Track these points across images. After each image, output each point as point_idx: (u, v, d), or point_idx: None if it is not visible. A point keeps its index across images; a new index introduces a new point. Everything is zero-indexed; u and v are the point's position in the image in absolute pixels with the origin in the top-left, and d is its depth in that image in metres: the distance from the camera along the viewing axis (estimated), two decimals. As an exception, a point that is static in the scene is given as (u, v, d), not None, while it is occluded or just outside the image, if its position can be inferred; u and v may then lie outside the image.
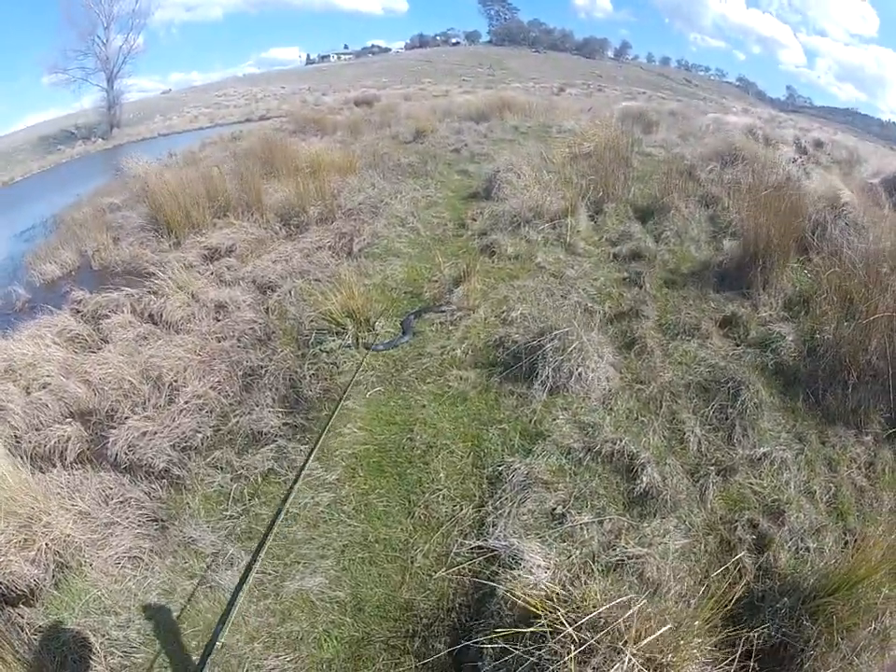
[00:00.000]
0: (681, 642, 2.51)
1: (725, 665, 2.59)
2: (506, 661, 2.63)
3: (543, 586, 2.73)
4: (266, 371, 5.30)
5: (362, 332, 5.68)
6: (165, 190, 9.15)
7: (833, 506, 3.98)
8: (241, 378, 5.27)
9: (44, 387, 5.48)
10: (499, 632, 2.59)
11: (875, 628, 2.94)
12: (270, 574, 3.54)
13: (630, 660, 2.39)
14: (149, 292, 7.06)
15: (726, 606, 2.63)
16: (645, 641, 2.45)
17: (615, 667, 2.37)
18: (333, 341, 5.56)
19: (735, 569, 3.32)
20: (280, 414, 4.74)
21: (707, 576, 3.23)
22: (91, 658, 3.15)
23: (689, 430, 4.36)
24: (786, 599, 3.10)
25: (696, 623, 2.59)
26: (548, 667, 2.45)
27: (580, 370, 4.68)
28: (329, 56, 75.01)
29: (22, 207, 20.00)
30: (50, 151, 39.93)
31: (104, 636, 3.26)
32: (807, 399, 4.82)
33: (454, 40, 74.04)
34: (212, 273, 7.58)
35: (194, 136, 27.27)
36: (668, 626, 2.48)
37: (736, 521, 3.76)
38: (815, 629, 2.91)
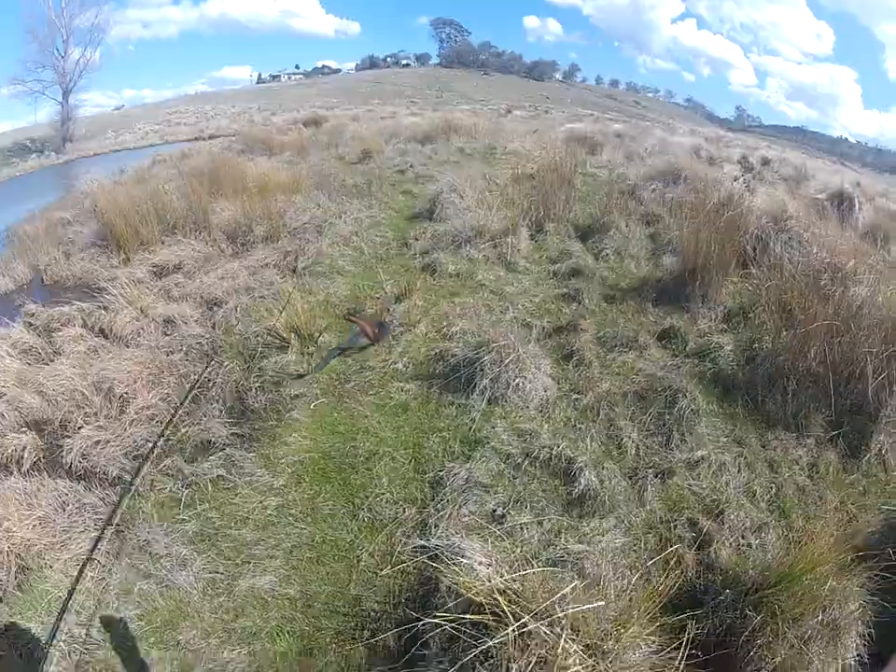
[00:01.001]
0: (621, 630, 2.68)
1: (669, 651, 2.72)
2: (451, 649, 2.80)
3: (485, 579, 2.87)
4: (213, 384, 5.41)
5: (306, 347, 5.83)
6: (115, 209, 9.21)
7: (774, 505, 4.15)
8: (189, 390, 5.35)
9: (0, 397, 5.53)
10: (441, 615, 2.74)
11: (822, 619, 3.07)
12: (222, 574, 3.67)
13: (570, 646, 2.55)
14: (100, 307, 7.13)
15: (666, 596, 2.79)
16: (584, 630, 2.63)
17: (556, 653, 2.53)
18: (278, 355, 5.72)
19: (673, 562, 3.48)
20: (227, 425, 4.87)
21: (647, 571, 3.40)
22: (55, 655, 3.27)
23: (626, 436, 4.54)
24: (728, 591, 3.27)
25: (635, 613, 2.76)
26: (492, 653, 2.59)
27: (517, 380, 4.88)
28: (279, 76, 74.95)
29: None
30: (6, 164, 39.26)
31: (66, 633, 3.37)
32: (746, 405, 5.03)
33: (404, 62, 74.36)
34: (160, 290, 7.65)
35: (145, 153, 27.17)
36: (605, 609, 2.68)
37: (675, 520, 3.93)
38: (759, 619, 3.06)
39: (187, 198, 10.02)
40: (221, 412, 5.03)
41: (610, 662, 2.58)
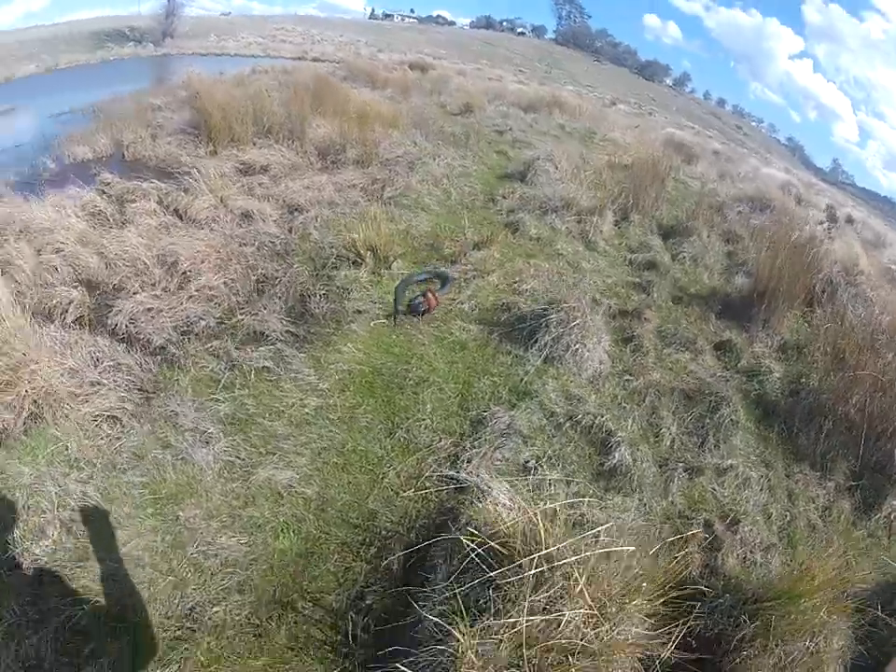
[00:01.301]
0: (625, 599, 2.66)
1: (661, 637, 2.70)
2: (459, 579, 2.77)
3: (506, 520, 2.85)
4: (279, 281, 5.47)
5: (379, 268, 5.88)
6: (212, 100, 9.34)
7: (785, 532, 4.11)
8: (254, 282, 5.43)
9: (57, 252, 5.60)
10: (452, 537, 2.72)
11: (808, 646, 3.05)
12: (243, 460, 3.68)
13: (577, 600, 2.53)
14: (179, 189, 7.23)
15: (672, 582, 2.77)
16: (594, 587, 2.61)
17: (564, 600, 2.51)
18: (350, 269, 5.77)
19: (683, 554, 3.46)
20: (284, 322, 4.90)
21: (656, 556, 3.38)
22: (43, 508, 3.26)
23: (665, 427, 4.52)
24: (728, 596, 3.25)
25: (643, 585, 2.74)
26: (503, 589, 2.57)
27: (577, 346, 4.88)
28: (393, 15, 75.10)
29: (63, 94, 19.87)
30: (100, 47, 39.59)
31: (61, 487, 3.36)
32: (781, 432, 4.98)
33: (519, 30, 74.17)
34: (244, 186, 7.72)
35: (245, 62, 27.12)
36: (616, 573, 2.65)
37: (693, 517, 3.90)
38: (751, 630, 3.04)
39: (286, 106, 10.18)
40: (282, 308, 5.08)
41: (611, 626, 2.56)
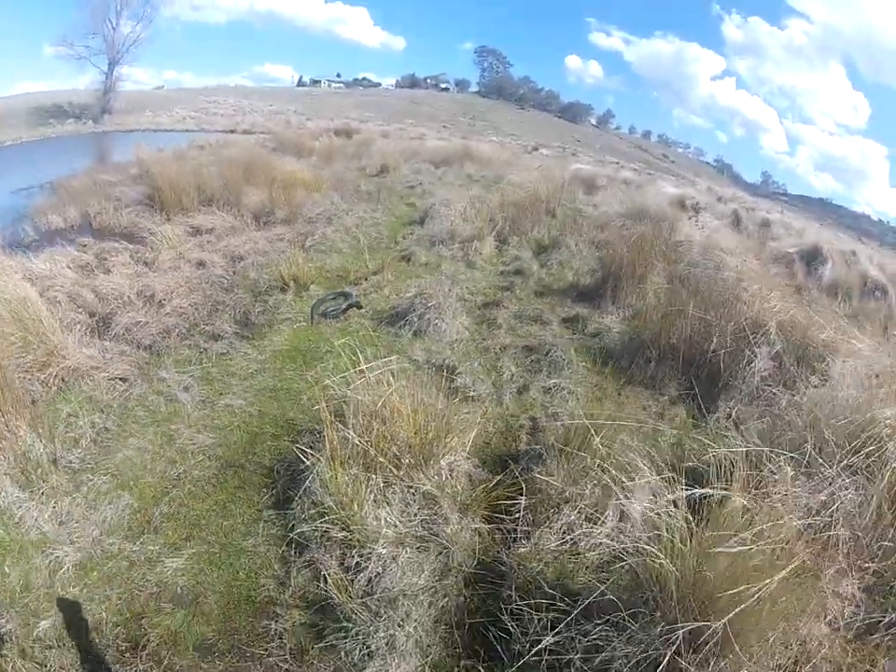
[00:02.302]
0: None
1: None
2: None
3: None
4: (228, 304, 7.71)
5: (300, 291, 8.21)
6: (165, 176, 11.75)
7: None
8: (211, 305, 7.64)
9: (59, 291, 7.56)
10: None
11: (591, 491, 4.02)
12: (210, 398, 5.79)
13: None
14: (145, 247, 9.56)
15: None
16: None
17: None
18: (279, 294, 8.10)
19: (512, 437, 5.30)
20: (234, 327, 7.16)
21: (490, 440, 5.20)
22: (77, 428, 5.18)
23: (506, 367, 6.39)
24: (539, 448, 4.77)
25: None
26: None
27: (436, 321, 7.06)
28: (320, 81, 77.08)
29: (16, 169, 22.21)
30: (41, 123, 41.14)
31: (89, 418, 5.28)
32: (616, 367, 6.36)
33: (443, 85, 76.20)
34: (195, 244, 10.07)
35: (181, 137, 29.24)
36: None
37: (521, 416, 5.54)
38: (553, 461, 4.40)
39: (223, 179, 12.69)
40: (232, 319, 7.34)
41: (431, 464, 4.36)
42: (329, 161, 19.33)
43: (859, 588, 3.47)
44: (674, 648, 2.78)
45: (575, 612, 3.05)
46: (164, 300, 7.60)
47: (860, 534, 3.65)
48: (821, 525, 3.53)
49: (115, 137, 37.74)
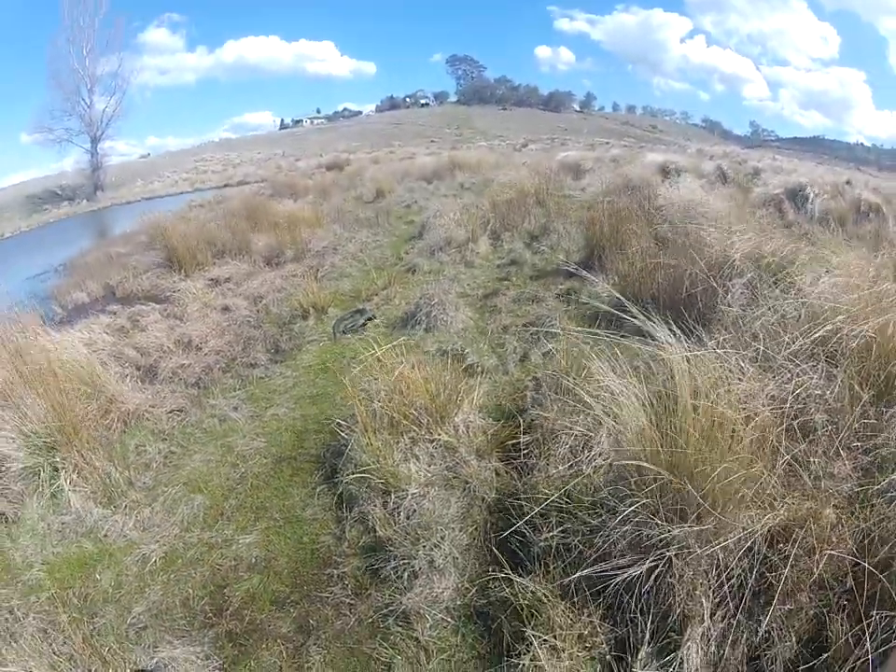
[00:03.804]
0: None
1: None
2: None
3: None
4: (258, 338, 8.71)
5: (320, 315, 9.21)
6: (178, 236, 12.92)
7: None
8: (244, 342, 8.60)
9: (101, 353, 8.08)
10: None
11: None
12: (258, 412, 6.72)
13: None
14: (171, 305, 10.57)
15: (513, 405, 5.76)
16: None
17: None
18: (301, 321, 9.12)
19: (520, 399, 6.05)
20: (267, 356, 8.15)
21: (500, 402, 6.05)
22: (146, 454, 6.09)
23: (508, 343, 7.27)
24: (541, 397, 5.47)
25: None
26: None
27: (442, 316, 8.07)
28: (301, 120, 77.45)
29: (25, 258, 23.31)
30: (37, 210, 42.33)
31: (154, 445, 6.20)
32: (608, 325, 6.30)
33: (423, 101, 76.37)
34: (217, 293, 11.11)
35: (177, 200, 30.34)
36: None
37: (525, 379, 6.28)
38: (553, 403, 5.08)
39: (230, 230, 13.94)
40: (264, 350, 8.33)
41: (447, 421, 5.16)
42: (325, 195, 20.48)
43: (853, 468, 3.79)
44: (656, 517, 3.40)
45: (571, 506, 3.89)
46: (201, 344, 8.52)
47: (837, 417, 4.01)
48: (794, 412, 3.94)
49: (113, 212, 39.05)
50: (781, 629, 3.07)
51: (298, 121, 78.35)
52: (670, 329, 4.34)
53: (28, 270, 18.72)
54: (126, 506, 5.26)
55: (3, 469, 5.61)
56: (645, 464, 3.52)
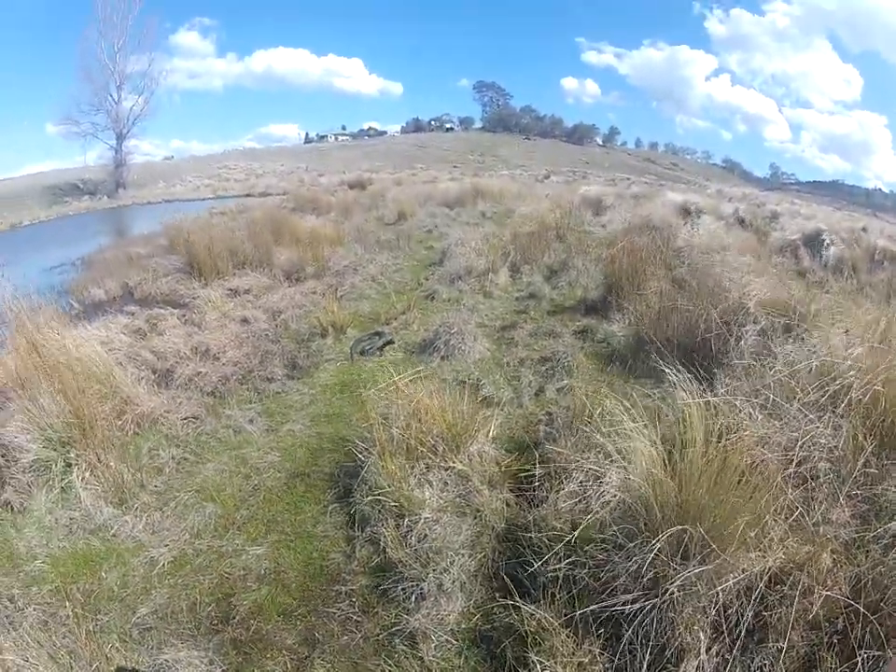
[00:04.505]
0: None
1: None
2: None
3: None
4: (276, 353, 8.83)
5: (339, 335, 9.40)
6: (202, 243, 13.10)
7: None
8: (261, 355, 8.72)
9: (117, 353, 8.22)
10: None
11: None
12: (273, 426, 6.83)
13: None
14: (189, 311, 10.76)
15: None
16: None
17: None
18: (320, 339, 9.30)
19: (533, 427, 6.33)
20: (284, 371, 8.27)
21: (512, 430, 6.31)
22: (160, 457, 6.18)
23: (524, 376, 7.43)
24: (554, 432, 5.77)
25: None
26: None
27: (460, 345, 8.24)
28: (326, 136, 78.46)
29: (42, 249, 23.48)
30: (57, 202, 42.92)
31: (167, 451, 6.26)
32: (621, 364, 7.45)
33: (448, 125, 77.21)
34: (236, 304, 11.27)
35: (198, 206, 30.28)
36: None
37: (539, 412, 6.53)
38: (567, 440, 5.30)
39: (252, 242, 14.06)
40: (281, 364, 8.45)
41: (462, 450, 5.29)
42: (347, 214, 20.70)
43: (852, 516, 3.99)
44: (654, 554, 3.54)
45: (572, 537, 4.01)
46: (218, 353, 8.68)
47: (840, 466, 4.25)
48: (799, 458, 4.22)
49: (133, 210, 39.58)
50: (773, 666, 3.22)
51: (322, 136, 79.16)
52: (684, 372, 4.58)
53: (45, 262, 18.82)
54: (137, 507, 5.36)
55: (13, 458, 5.80)
56: (653, 504, 3.72)
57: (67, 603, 4.16)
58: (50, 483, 5.57)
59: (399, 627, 4.02)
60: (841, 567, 3.52)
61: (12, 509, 5.42)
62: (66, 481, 5.57)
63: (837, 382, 4.80)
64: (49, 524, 5.21)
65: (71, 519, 5.26)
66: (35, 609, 4.20)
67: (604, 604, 3.63)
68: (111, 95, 48.02)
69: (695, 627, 3.38)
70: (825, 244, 15.06)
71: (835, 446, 4.36)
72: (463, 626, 4.04)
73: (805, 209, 30.37)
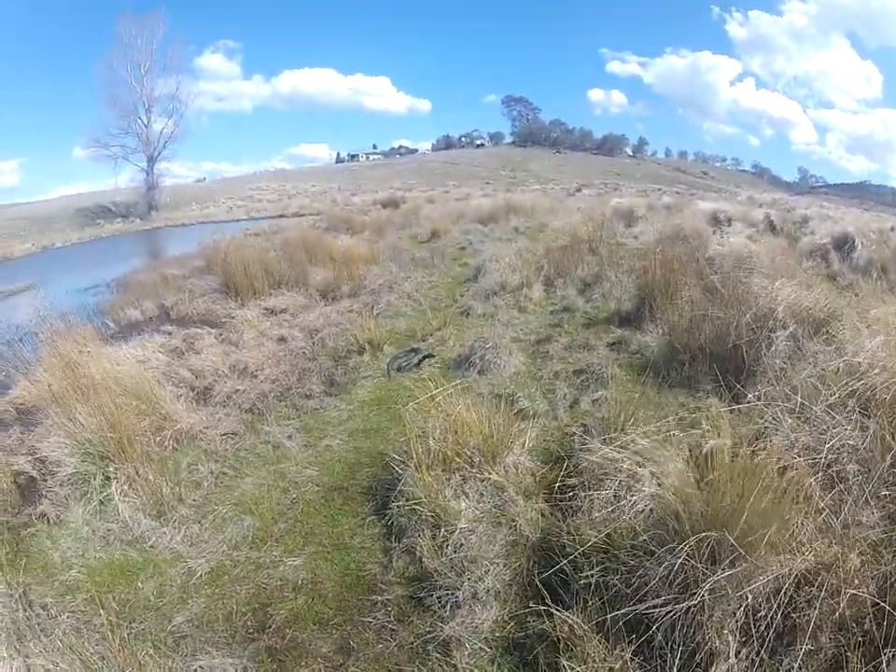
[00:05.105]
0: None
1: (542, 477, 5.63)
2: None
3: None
4: (314, 371, 9.03)
5: (376, 352, 9.59)
6: (239, 263, 13.39)
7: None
8: (299, 372, 8.92)
9: (154, 371, 8.41)
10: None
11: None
12: (311, 441, 7.00)
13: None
14: (226, 330, 11.00)
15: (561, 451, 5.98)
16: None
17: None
18: (357, 356, 9.51)
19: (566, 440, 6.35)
20: (322, 387, 8.47)
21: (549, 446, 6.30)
22: (198, 472, 6.34)
23: (559, 389, 7.43)
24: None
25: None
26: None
27: (496, 360, 8.36)
28: (357, 155, 79.11)
29: (75, 270, 24.39)
30: (89, 224, 44.04)
31: (207, 467, 6.41)
32: (655, 374, 7.25)
33: (478, 141, 77.91)
34: (272, 323, 11.52)
35: (233, 227, 30.89)
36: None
37: (573, 425, 6.41)
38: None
39: (288, 262, 14.37)
40: (319, 381, 8.63)
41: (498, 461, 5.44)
42: (380, 233, 20.98)
43: (882, 516, 3.99)
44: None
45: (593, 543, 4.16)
46: (256, 371, 8.89)
47: (869, 466, 4.25)
48: (827, 461, 4.30)
49: (166, 232, 40.30)
50: (802, 668, 3.30)
51: (354, 156, 79.92)
52: (716, 381, 4.69)
53: (79, 283, 19.43)
54: (175, 520, 5.49)
55: (51, 472, 6.05)
56: (683, 512, 3.83)
57: (102, 611, 4.23)
58: (88, 495, 5.75)
59: (433, 635, 4.10)
60: (868, 566, 3.57)
61: (48, 520, 5.60)
62: (105, 493, 5.75)
63: (863, 381, 4.89)
64: (85, 535, 5.36)
65: (108, 530, 5.41)
66: (68, 617, 4.32)
67: (635, 608, 3.73)
68: (140, 118, 49.43)
69: (724, 631, 3.47)
70: (854, 246, 15.15)
71: (863, 446, 4.43)
72: (497, 634, 4.12)
73: (833, 212, 30.48)
